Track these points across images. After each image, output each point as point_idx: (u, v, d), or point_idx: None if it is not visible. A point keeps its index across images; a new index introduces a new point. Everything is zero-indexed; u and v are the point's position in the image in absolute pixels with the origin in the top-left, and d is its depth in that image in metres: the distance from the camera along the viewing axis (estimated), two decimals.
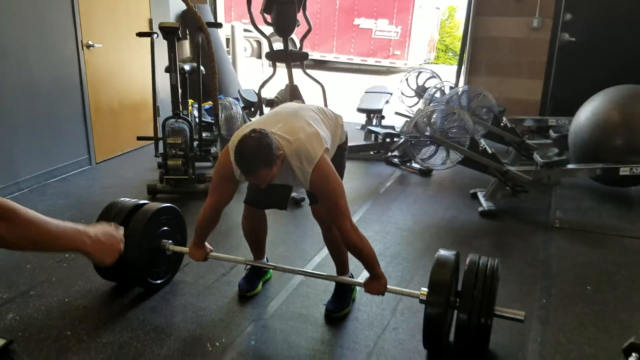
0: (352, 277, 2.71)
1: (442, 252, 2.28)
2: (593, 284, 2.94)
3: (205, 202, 2.43)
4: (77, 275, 2.89)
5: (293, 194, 3.80)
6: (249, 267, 2.81)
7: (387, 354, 2.31)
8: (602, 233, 3.64)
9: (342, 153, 2.61)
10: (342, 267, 2.65)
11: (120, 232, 1.44)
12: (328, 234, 2.54)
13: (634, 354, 2.06)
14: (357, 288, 2.72)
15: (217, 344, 2.35)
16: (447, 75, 6.27)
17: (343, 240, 2.27)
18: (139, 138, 4.47)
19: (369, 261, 2.30)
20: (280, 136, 2.17)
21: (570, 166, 4.08)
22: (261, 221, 2.74)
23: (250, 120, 5.25)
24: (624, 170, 3.91)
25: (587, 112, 4.22)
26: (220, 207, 2.42)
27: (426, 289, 2.18)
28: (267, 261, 2.90)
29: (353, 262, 3.02)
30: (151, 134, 4.34)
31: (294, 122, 2.27)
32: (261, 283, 2.82)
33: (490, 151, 3.98)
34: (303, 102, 4.44)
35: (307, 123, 2.28)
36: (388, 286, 2.34)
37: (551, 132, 4.99)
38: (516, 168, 4.07)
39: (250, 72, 9.11)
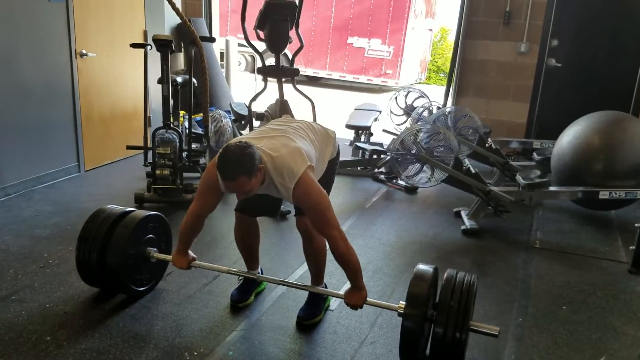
0: (326, 288, 2.76)
1: (421, 267, 2.32)
2: (569, 304, 3.00)
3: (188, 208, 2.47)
4: (59, 281, 2.90)
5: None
6: (242, 278, 2.84)
7: None
8: (581, 255, 3.71)
9: (333, 167, 2.66)
10: (317, 278, 2.70)
11: None
12: (308, 245, 2.59)
13: None
14: (331, 299, 2.77)
15: (195, 353, 2.37)
16: (438, 96, 6.38)
17: (332, 250, 2.30)
18: (129, 147, 4.50)
19: (354, 272, 2.33)
20: (263, 151, 2.23)
21: (552, 188, 4.15)
22: (253, 229, 2.76)
23: (240, 133, 5.31)
24: (604, 194, 3.99)
25: (569, 136, 4.31)
26: (204, 214, 2.46)
27: (404, 303, 2.22)
28: (262, 271, 2.93)
29: (334, 276, 3.07)
30: (141, 144, 4.37)
31: (279, 139, 2.34)
32: (253, 295, 2.85)
33: (473, 171, 4.05)
34: (292, 117, 4.50)
35: (292, 140, 2.34)
36: (367, 299, 2.38)
37: (535, 155, 5.08)
38: (499, 188, 4.14)
39: (243, 86, 9.18)
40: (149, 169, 4.24)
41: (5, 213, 3.85)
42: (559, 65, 5.88)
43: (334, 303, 2.81)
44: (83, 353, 2.32)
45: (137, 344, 2.41)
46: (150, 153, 4.24)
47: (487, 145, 4.99)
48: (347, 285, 2.42)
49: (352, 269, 2.32)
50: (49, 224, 3.69)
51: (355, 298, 2.37)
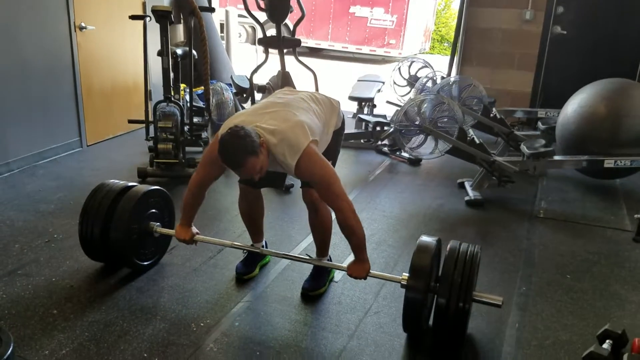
0: (331, 260, 2.77)
1: (424, 238, 2.32)
2: (573, 272, 3.01)
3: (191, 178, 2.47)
4: (65, 256, 2.92)
5: None
6: (246, 251, 2.85)
7: (367, 337, 2.36)
8: (585, 224, 3.70)
9: (338, 138, 2.63)
10: (322, 250, 2.70)
11: None
12: (314, 217, 2.59)
13: (607, 341, 2.13)
14: (335, 271, 2.78)
15: (202, 324, 2.40)
16: (442, 66, 6.29)
17: (339, 221, 2.29)
18: (130, 121, 4.48)
19: (359, 244, 2.33)
20: (264, 129, 2.21)
21: (556, 158, 4.13)
22: (257, 201, 2.75)
23: (242, 107, 5.28)
24: (609, 163, 3.97)
25: (574, 105, 4.26)
26: (205, 184, 2.47)
27: (407, 274, 2.23)
28: (266, 244, 2.94)
29: (338, 248, 3.08)
30: (143, 118, 4.35)
31: (281, 113, 2.31)
32: (258, 267, 2.86)
33: (478, 141, 4.02)
34: (295, 88, 4.46)
35: (293, 114, 2.31)
36: (371, 271, 2.38)
37: (540, 124, 5.04)
38: (503, 158, 4.12)
39: (244, 58, 9.08)
40: (151, 143, 4.22)
41: (9, 189, 3.85)
42: (565, 32, 5.79)
43: (338, 274, 2.82)
44: (90, 325, 2.34)
45: (144, 315, 2.43)
46: (152, 127, 4.22)
47: (491, 115, 4.95)
48: (351, 257, 2.43)
49: (357, 241, 2.32)
50: (53, 199, 3.70)
51: (359, 270, 2.37)
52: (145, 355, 2.18)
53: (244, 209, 2.76)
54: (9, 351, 1.80)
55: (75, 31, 4.53)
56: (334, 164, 2.59)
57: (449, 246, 2.28)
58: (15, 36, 4.04)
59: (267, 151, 2.18)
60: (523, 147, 4.15)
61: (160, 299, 2.59)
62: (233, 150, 2.09)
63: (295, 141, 2.20)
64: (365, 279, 2.39)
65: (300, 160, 2.19)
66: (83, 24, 4.59)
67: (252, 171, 2.15)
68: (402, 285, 2.25)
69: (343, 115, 2.66)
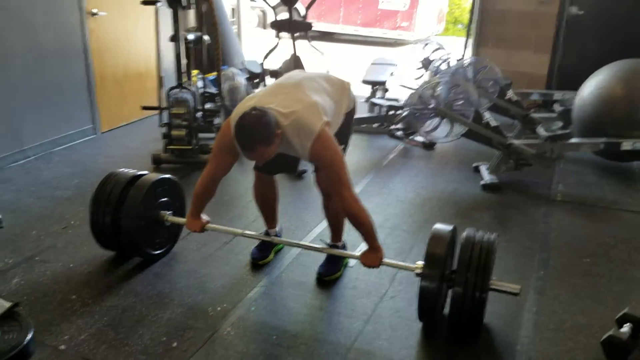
0: (345, 246, 2.77)
1: (439, 226, 2.29)
2: (591, 256, 2.97)
3: (203, 170, 2.46)
4: (82, 242, 2.94)
5: None
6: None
7: (384, 322, 2.36)
8: (603, 207, 3.66)
9: (349, 120, 2.60)
10: (336, 234, 2.70)
11: None
12: (327, 202, 2.58)
13: (627, 324, 2.11)
14: None
15: (219, 308, 2.41)
16: (455, 48, 6.21)
17: (343, 210, 2.30)
18: (144, 108, 4.48)
19: (368, 233, 2.33)
20: (278, 112, 2.19)
21: (573, 140, 4.07)
22: (271, 187, 2.75)
23: (254, 92, 5.26)
24: (626, 145, 3.90)
25: (591, 87, 4.19)
26: (218, 176, 2.46)
27: (422, 263, 2.20)
28: (282, 230, 2.94)
29: (353, 233, 3.07)
30: (156, 104, 4.35)
31: (293, 94, 2.29)
32: (273, 252, 2.87)
33: (494, 124, 3.97)
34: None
35: (306, 94, 2.29)
36: (384, 259, 2.37)
37: (556, 106, 4.96)
38: (520, 141, 4.06)
39: (255, 43, 9.03)
40: (164, 129, 4.23)
41: (26, 175, 3.89)
42: (581, 13, 5.66)
43: (352, 259, 2.82)
44: (109, 310, 2.37)
45: (161, 300, 2.45)
46: (165, 113, 4.22)
47: (507, 97, 4.88)
48: (364, 246, 2.41)
49: (366, 229, 2.31)
50: (69, 186, 3.73)
51: (372, 259, 2.36)
52: (164, 339, 2.20)
53: (258, 194, 2.75)
54: (29, 337, 1.82)
55: (87, 17, 4.52)
56: (346, 147, 2.57)
57: (464, 234, 2.25)
58: (29, 23, 4.05)
59: (280, 141, 2.18)
60: (540, 130, 4.09)
61: (177, 284, 2.61)
62: (249, 134, 2.09)
63: (310, 123, 2.19)
64: (378, 267, 2.38)
65: (314, 143, 2.18)
66: (95, 10, 4.59)
67: (258, 158, 2.17)
68: (417, 274, 2.23)
69: (354, 97, 2.63)
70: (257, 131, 2.08)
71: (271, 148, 2.13)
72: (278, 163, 2.55)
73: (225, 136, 2.29)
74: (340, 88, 2.53)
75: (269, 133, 2.10)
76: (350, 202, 2.26)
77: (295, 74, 2.58)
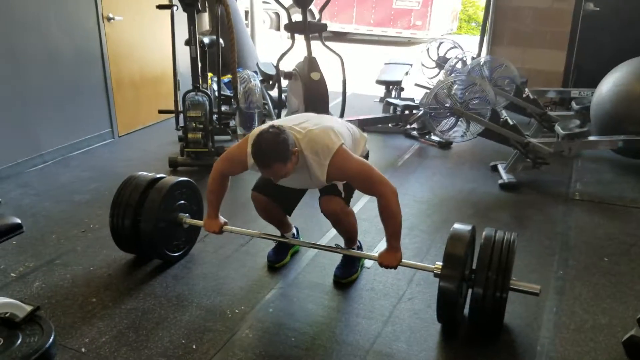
0: (361, 247, 2.77)
1: (457, 226, 2.28)
2: (610, 255, 2.94)
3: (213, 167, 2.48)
4: (101, 245, 2.98)
5: None
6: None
7: (402, 323, 2.35)
8: (622, 205, 3.61)
9: None
10: (350, 241, 2.69)
11: None
12: (336, 225, 2.59)
13: None
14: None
15: (237, 310, 2.42)
16: (470, 46, 6.16)
17: (382, 207, 2.26)
18: (160, 111, 4.52)
19: (395, 230, 2.30)
20: (296, 130, 2.22)
21: (591, 138, 4.02)
22: (270, 204, 2.64)
23: (268, 94, 5.28)
24: None
25: (609, 84, 4.13)
26: (227, 175, 2.49)
27: (441, 263, 2.19)
28: (297, 231, 2.94)
29: (369, 234, 3.06)
30: (172, 107, 4.38)
31: (312, 120, 2.34)
32: (290, 254, 2.87)
33: (511, 123, 3.94)
34: (321, 74, 4.43)
35: (325, 120, 2.36)
36: (402, 260, 2.35)
37: (573, 104, 4.91)
38: (537, 140, 4.02)
39: (269, 45, 9.06)
40: (181, 132, 4.26)
41: (44, 179, 3.94)
42: (598, 9, 5.59)
43: (369, 260, 2.81)
44: (129, 313, 2.39)
45: (180, 303, 2.47)
46: (181, 117, 4.26)
47: (524, 95, 4.84)
48: (382, 244, 2.40)
49: (394, 227, 2.29)
50: (88, 190, 3.77)
51: (390, 259, 2.33)
52: (184, 341, 2.21)
53: (260, 212, 2.69)
54: (51, 340, 1.85)
55: (103, 22, 4.57)
56: (351, 195, 2.56)
57: (484, 234, 2.23)
58: (45, 29, 4.10)
59: (297, 159, 2.19)
60: (557, 128, 4.04)
61: (195, 286, 2.62)
62: (267, 151, 2.10)
63: (328, 141, 2.22)
64: (396, 268, 2.36)
65: (333, 159, 2.20)
66: (111, 15, 4.64)
67: (275, 175, 2.17)
68: (436, 275, 2.22)
69: (368, 150, 2.67)
70: (275, 149, 2.10)
71: (287, 166, 2.14)
72: (280, 192, 2.55)
73: (241, 150, 2.32)
74: (359, 134, 2.57)
75: (286, 150, 2.11)
76: (391, 197, 2.23)
77: (313, 115, 2.56)
